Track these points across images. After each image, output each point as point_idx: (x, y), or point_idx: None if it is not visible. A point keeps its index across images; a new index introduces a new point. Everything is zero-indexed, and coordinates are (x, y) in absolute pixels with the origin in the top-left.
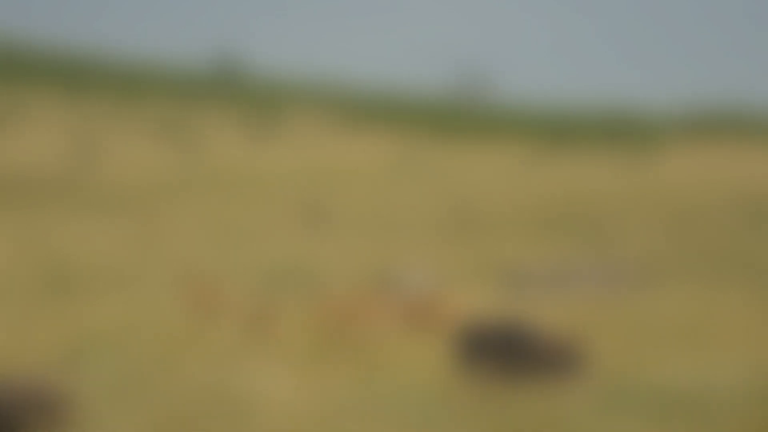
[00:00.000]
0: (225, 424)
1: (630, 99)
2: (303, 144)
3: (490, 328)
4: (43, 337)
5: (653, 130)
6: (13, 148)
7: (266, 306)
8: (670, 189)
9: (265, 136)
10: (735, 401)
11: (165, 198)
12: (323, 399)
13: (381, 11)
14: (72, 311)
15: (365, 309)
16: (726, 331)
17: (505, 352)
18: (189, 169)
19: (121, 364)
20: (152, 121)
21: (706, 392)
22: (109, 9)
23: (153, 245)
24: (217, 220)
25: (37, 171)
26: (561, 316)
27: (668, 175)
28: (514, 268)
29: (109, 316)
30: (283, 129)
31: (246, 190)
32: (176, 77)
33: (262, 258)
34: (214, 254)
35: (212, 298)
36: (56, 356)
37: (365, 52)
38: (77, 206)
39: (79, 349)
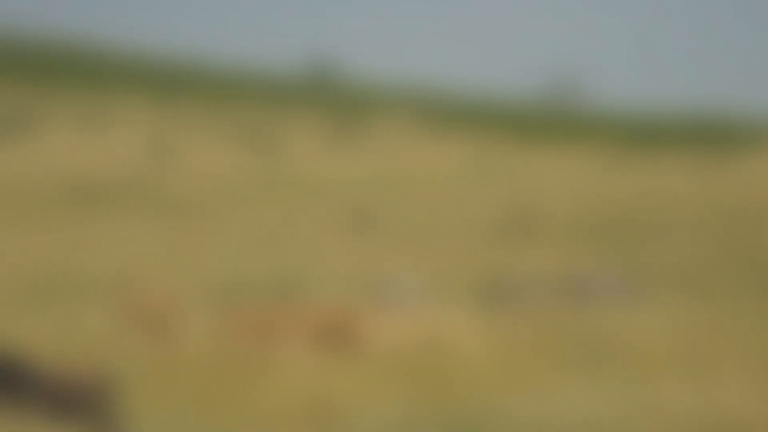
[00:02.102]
0: None
1: (716, 104)
2: (382, 150)
3: None
4: None
5: (738, 135)
6: (96, 151)
7: (186, 321)
8: (744, 196)
9: (347, 141)
10: None
11: (228, 203)
12: None
13: (474, 18)
14: (18, 316)
15: (275, 326)
16: (661, 357)
17: None
18: (262, 174)
19: None
20: (236, 126)
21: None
22: (204, 15)
23: (177, 252)
24: (267, 225)
25: (114, 174)
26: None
27: (746, 181)
28: (514, 278)
29: (46, 324)
30: (365, 134)
31: (312, 195)
32: (266, 82)
33: (280, 265)
34: (238, 260)
35: (145, 312)
36: None
37: (456, 58)
38: (138, 210)
39: None
